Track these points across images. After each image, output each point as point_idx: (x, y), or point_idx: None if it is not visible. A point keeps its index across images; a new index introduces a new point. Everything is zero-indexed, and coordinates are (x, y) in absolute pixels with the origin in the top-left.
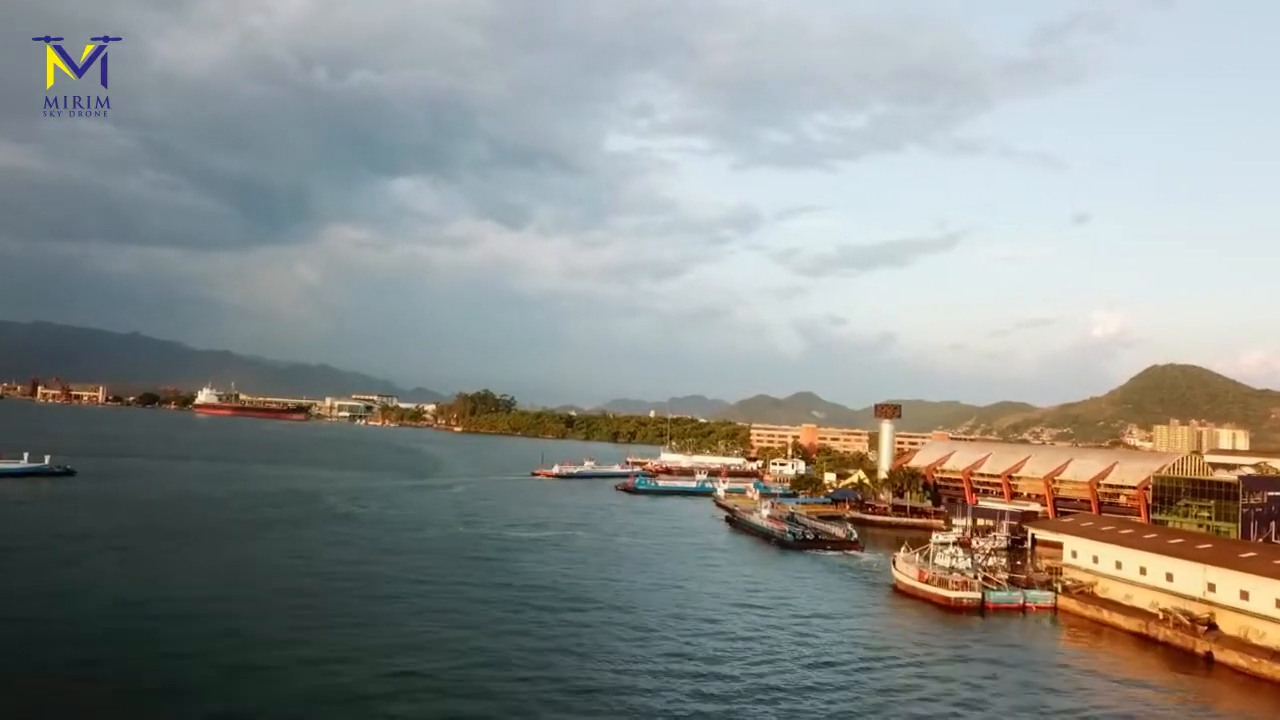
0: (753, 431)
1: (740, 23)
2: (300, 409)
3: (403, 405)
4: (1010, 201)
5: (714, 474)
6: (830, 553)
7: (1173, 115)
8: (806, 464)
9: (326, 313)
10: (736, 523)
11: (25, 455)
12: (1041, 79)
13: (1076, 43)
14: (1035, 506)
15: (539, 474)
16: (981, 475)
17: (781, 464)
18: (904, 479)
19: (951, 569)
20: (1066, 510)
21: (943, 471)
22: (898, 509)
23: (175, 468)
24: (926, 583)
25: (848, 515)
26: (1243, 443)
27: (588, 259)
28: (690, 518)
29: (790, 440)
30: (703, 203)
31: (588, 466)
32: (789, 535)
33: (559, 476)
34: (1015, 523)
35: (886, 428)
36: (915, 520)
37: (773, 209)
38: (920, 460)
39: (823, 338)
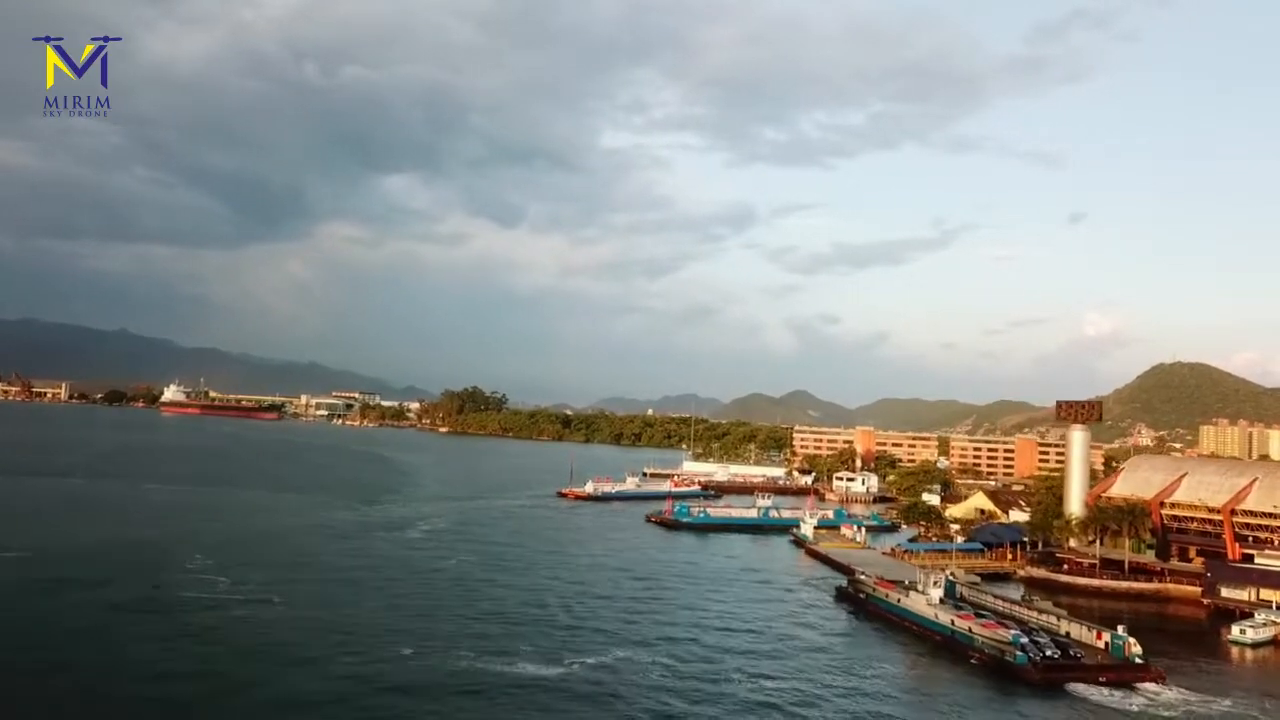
0: (795, 435)
1: (737, 20)
2: (274, 407)
3: (385, 403)
4: (1006, 200)
5: (788, 494)
6: (1106, 691)
7: (1170, 114)
8: (879, 478)
9: (318, 311)
10: (867, 604)
11: None
12: (1039, 77)
13: (1074, 41)
14: None
15: (567, 494)
16: (1256, 514)
17: (850, 479)
18: (1121, 519)
19: None
20: None
21: (1177, 506)
22: (1108, 565)
23: (38, 490)
24: None
25: (1022, 573)
26: None
27: (581, 256)
28: (775, 584)
29: (843, 445)
30: (697, 200)
31: (631, 484)
32: (1019, 655)
33: (594, 498)
34: None
35: (1078, 437)
36: (1141, 586)
37: (768, 206)
38: (1128, 487)
39: (816, 336)
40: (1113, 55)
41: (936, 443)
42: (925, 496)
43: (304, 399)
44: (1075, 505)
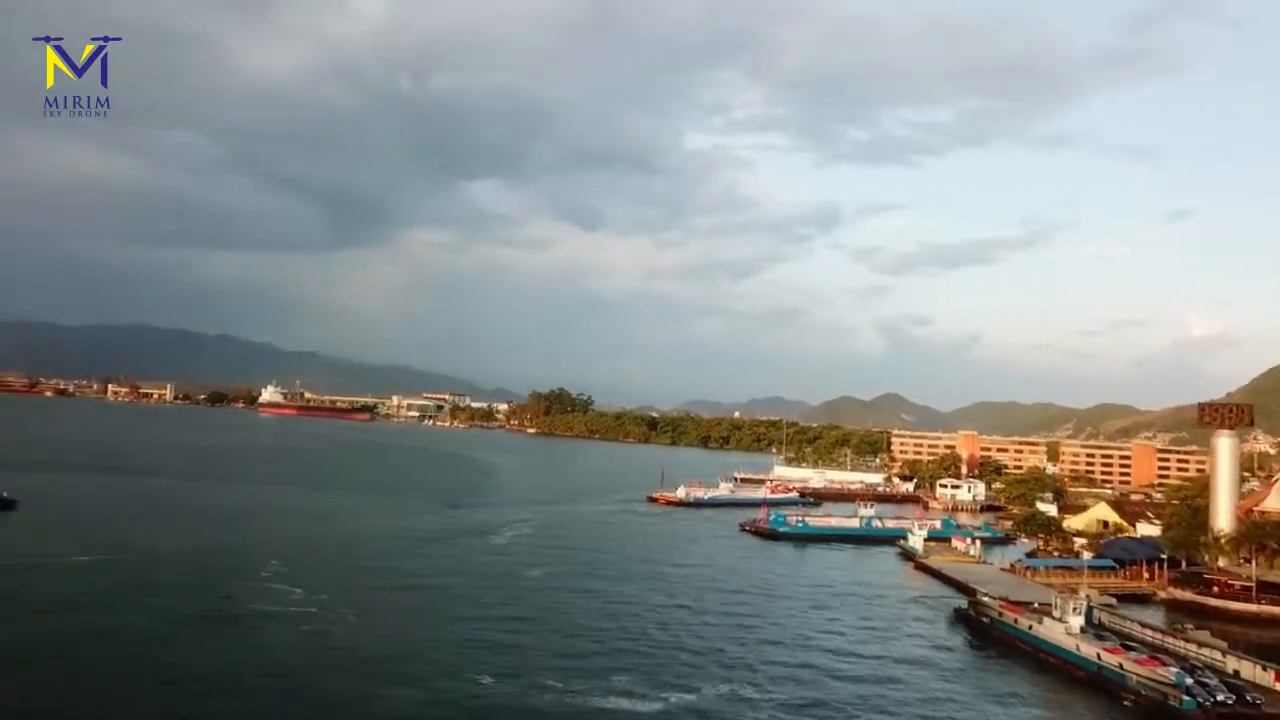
0: (894, 439)
1: (818, 19)
2: (367, 409)
3: (474, 405)
4: (1102, 198)
5: (889, 502)
6: None
7: (1272, 107)
8: (987, 486)
9: (408, 314)
10: (992, 630)
11: None
12: (1136, 69)
13: (1173, 30)
14: None
15: (658, 499)
16: None
17: (955, 486)
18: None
19: None
20: None
21: None
22: (1266, 589)
23: (129, 489)
24: None
25: (1163, 595)
26: None
27: (665, 259)
28: (885, 602)
29: (945, 450)
30: (782, 201)
31: (724, 490)
32: (1186, 700)
33: (685, 504)
34: None
35: (1225, 444)
36: None
37: (854, 206)
38: None
39: (905, 338)
40: (1214, 45)
41: (1045, 448)
42: (1040, 506)
43: (395, 400)
44: (1223, 520)
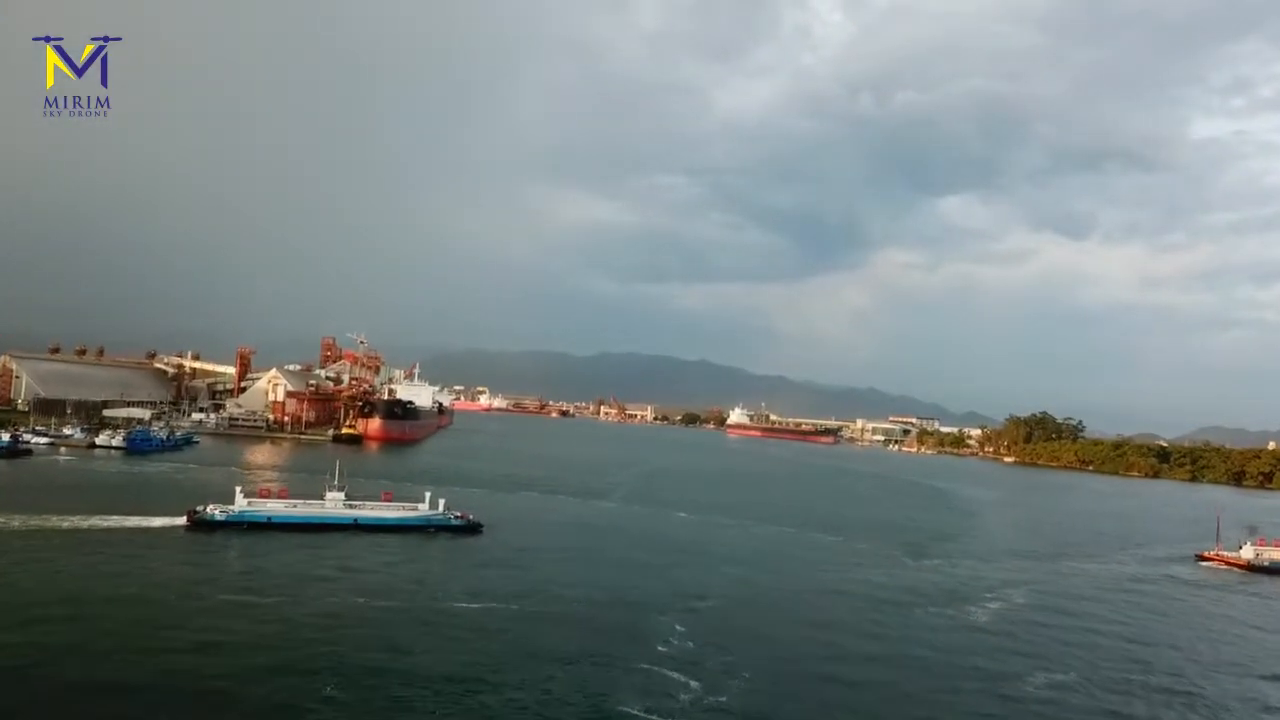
0: None
1: None
2: (829, 431)
3: (943, 429)
4: None
5: None
6: None
7: None
8: None
9: (874, 337)
10: None
11: (427, 497)
12: None
13: None
14: None
15: (1210, 558)
16: None
17: None
18: None
19: None
20: None
21: None
22: None
23: (576, 514)
24: None
25: None
26: None
27: (1165, 265)
28: None
29: None
30: None
31: None
32: None
33: (1254, 568)
34: None
35: None
36: None
37: None
38: None
39: None
40: None
41: None
42: None
43: (859, 424)
44: None
